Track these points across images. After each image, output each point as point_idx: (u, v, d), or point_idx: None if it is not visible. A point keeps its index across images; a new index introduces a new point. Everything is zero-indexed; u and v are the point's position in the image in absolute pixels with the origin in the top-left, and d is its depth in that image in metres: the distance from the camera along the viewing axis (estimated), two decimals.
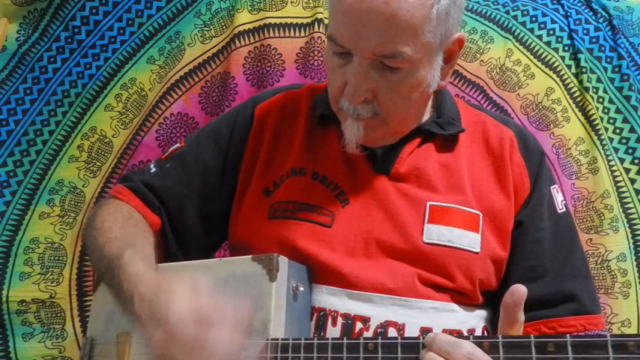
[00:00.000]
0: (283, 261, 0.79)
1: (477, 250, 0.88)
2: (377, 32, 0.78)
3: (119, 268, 0.79)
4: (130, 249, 0.82)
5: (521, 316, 0.68)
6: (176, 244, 0.99)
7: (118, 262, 0.80)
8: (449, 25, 0.83)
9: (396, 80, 0.83)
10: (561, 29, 1.39)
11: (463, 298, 0.88)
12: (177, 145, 1.04)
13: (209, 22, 1.36)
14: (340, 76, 0.85)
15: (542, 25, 1.40)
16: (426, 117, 0.98)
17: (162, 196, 0.98)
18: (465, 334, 0.86)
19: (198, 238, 1.00)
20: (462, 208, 0.90)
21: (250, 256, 0.80)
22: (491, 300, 0.93)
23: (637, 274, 1.28)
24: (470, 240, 0.88)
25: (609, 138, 1.35)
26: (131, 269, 0.78)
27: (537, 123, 1.35)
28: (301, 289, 0.81)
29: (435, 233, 0.87)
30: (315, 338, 0.73)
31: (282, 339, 0.74)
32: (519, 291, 0.67)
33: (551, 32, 1.39)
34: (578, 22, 1.40)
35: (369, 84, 0.83)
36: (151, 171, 1.00)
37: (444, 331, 0.83)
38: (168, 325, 0.67)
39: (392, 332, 0.82)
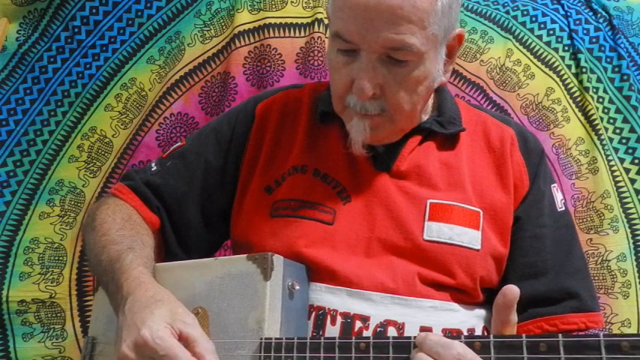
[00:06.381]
0: (278, 260, 0.79)
1: (478, 247, 0.89)
2: (385, 24, 0.79)
3: (120, 270, 0.81)
4: (131, 253, 0.83)
5: (514, 317, 0.66)
6: (177, 242, 0.99)
7: (118, 265, 0.81)
8: (452, 18, 0.85)
9: (404, 74, 0.84)
10: (561, 29, 1.39)
11: (463, 297, 0.88)
12: (179, 143, 1.04)
13: (209, 22, 1.36)
14: (345, 74, 0.86)
15: (542, 25, 1.40)
16: (427, 116, 0.98)
17: (162, 194, 0.98)
18: (465, 333, 0.86)
19: (200, 237, 1.00)
20: (463, 205, 0.90)
21: (245, 255, 0.80)
22: (492, 298, 0.93)
23: (637, 274, 1.27)
24: (470, 237, 0.89)
25: (609, 138, 1.34)
26: (134, 272, 0.79)
27: (537, 123, 1.35)
28: (297, 287, 0.80)
29: (436, 231, 0.87)
30: (308, 338, 0.73)
31: (276, 338, 0.74)
32: (512, 292, 0.65)
33: (551, 32, 1.39)
34: (578, 22, 1.40)
35: (377, 79, 0.83)
36: (152, 169, 1.01)
37: (444, 330, 0.83)
38: (139, 336, 0.69)
39: (392, 331, 0.81)
